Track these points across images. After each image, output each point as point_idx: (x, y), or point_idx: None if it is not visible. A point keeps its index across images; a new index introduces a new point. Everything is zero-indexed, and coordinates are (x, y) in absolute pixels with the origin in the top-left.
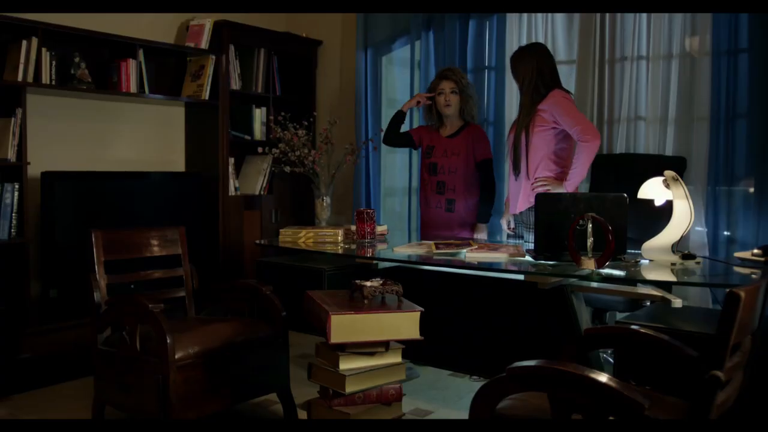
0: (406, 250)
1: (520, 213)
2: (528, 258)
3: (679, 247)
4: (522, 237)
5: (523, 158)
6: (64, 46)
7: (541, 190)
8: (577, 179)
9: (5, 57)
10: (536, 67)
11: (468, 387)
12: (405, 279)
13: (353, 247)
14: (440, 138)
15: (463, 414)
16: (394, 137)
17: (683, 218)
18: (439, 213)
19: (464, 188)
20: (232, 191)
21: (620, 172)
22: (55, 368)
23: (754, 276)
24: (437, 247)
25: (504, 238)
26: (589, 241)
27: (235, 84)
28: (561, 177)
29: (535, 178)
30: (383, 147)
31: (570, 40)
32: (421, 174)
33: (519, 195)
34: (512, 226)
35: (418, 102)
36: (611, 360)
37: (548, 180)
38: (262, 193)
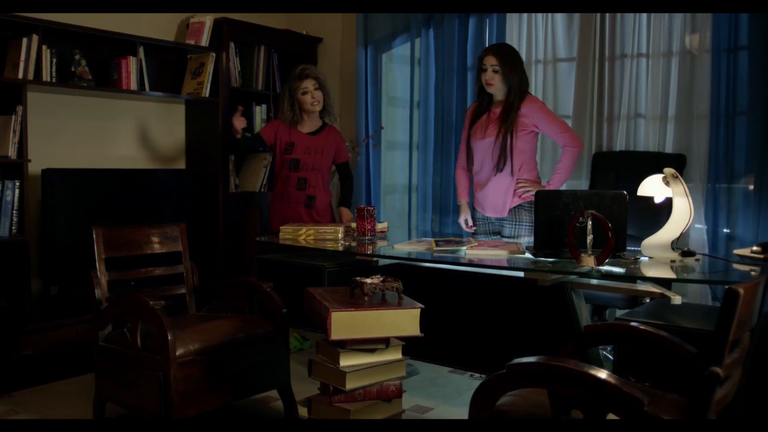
0: (406, 247)
1: (510, 211)
2: (528, 255)
3: (679, 244)
4: (499, 234)
5: (509, 159)
6: (64, 44)
7: (522, 191)
8: (558, 183)
9: (6, 54)
10: (522, 72)
11: (468, 384)
12: (405, 276)
13: (353, 244)
14: (300, 134)
15: (463, 411)
16: (239, 148)
17: (683, 215)
18: (299, 209)
19: (323, 186)
20: (232, 188)
21: (620, 169)
22: (56, 365)
23: (753, 273)
24: (437, 244)
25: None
26: (589, 238)
27: (236, 81)
28: (539, 178)
29: (517, 180)
30: (383, 144)
31: (570, 37)
32: (278, 170)
33: (506, 196)
34: (470, 224)
35: (239, 124)
36: (611, 357)
37: (528, 182)
38: (262, 190)
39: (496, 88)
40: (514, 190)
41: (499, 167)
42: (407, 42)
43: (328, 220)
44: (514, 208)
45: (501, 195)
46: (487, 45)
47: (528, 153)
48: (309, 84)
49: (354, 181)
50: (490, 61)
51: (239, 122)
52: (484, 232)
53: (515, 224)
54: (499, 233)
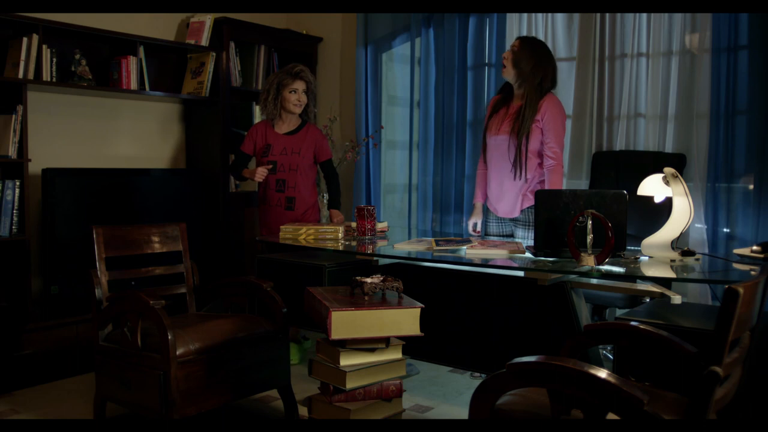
0: (406, 247)
1: (522, 212)
2: (528, 254)
3: (679, 243)
4: (512, 235)
5: (524, 168)
6: (64, 43)
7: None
8: None
9: (6, 54)
10: (539, 66)
11: (468, 383)
12: (405, 275)
13: (353, 243)
14: (277, 135)
15: (463, 410)
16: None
17: (683, 215)
18: (279, 211)
19: (304, 187)
20: (232, 188)
21: (620, 168)
22: (57, 364)
23: (753, 272)
24: (438, 244)
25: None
26: (589, 237)
27: (236, 81)
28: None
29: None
30: (384, 143)
31: (570, 36)
32: None
33: (517, 197)
34: (478, 229)
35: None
36: (611, 356)
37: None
38: None
39: (507, 71)
40: (526, 192)
41: (516, 174)
42: (407, 42)
43: (313, 222)
44: (527, 209)
45: (513, 196)
46: (487, 45)
47: (538, 154)
48: (300, 85)
49: (354, 180)
50: (513, 43)
51: (260, 176)
52: (497, 233)
53: (529, 227)
54: (511, 235)
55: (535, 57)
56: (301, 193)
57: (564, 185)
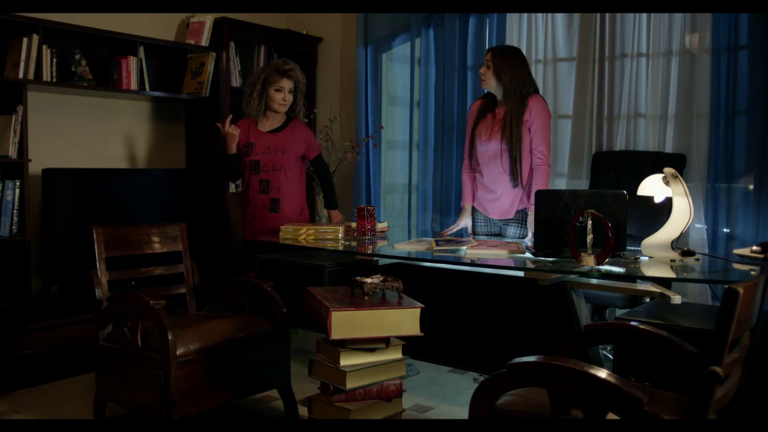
0: (406, 247)
1: (516, 213)
2: (528, 254)
3: (679, 243)
4: (500, 235)
5: (520, 176)
6: (64, 43)
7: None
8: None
9: (6, 54)
10: (517, 72)
11: (468, 383)
12: (405, 275)
13: (353, 243)
14: (260, 133)
15: (463, 410)
16: (238, 169)
17: (683, 215)
18: (263, 213)
19: (290, 188)
20: (232, 188)
21: (620, 169)
22: (57, 364)
23: (753, 272)
24: (437, 244)
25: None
26: (589, 237)
27: (236, 81)
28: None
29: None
30: (384, 143)
31: (570, 37)
32: (245, 174)
33: (514, 200)
34: (469, 232)
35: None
36: (611, 356)
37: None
38: None
39: (488, 84)
40: (522, 195)
41: (514, 183)
42: (407, 42)
43: (327, 211)
44: (521, 210)
45: (510, 199)
46: (487, 45)
47: (528, 158)
48: (287, 84)
49: (354, 180)
50: (487, 57)
51: (233, 133)
52: (485, 233)
53: (522, 226)
54: (500, 234)
55: (512, 65)
56: (285, 194)
57: (564, 185)
